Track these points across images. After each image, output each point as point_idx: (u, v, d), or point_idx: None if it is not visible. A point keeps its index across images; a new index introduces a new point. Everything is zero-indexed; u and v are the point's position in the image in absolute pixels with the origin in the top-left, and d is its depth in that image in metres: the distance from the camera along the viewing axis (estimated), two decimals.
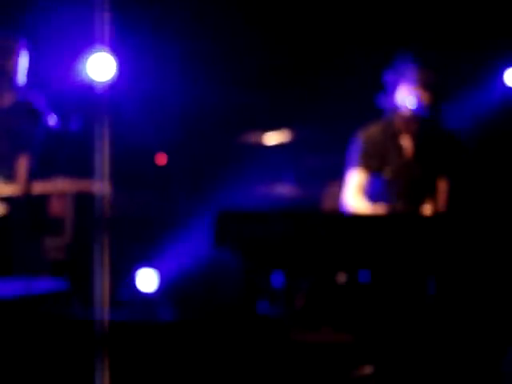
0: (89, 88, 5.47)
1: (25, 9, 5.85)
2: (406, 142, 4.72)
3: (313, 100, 6.54)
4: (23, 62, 5.02)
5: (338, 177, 4.99)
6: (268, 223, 3.71)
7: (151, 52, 6.36)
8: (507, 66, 6.48)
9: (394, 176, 4.68)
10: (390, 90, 4.72)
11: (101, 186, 4.93)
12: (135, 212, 6.29)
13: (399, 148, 4.71)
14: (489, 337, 4.12)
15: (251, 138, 6.27)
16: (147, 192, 6.46)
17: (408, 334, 4.24)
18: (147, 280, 6.10)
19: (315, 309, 4.61)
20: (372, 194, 4.71)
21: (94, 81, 5.47)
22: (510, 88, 6.45)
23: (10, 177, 4.90)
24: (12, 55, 4.99)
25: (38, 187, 4.97)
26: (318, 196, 5.54)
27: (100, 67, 5.60)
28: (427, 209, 4.72)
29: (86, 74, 5.57)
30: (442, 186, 4.74)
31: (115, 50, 5.56)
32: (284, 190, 6.04)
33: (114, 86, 5.49)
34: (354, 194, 4.67)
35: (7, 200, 4.87)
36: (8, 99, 4.98)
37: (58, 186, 5.08)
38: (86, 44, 5.59)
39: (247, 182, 6.08)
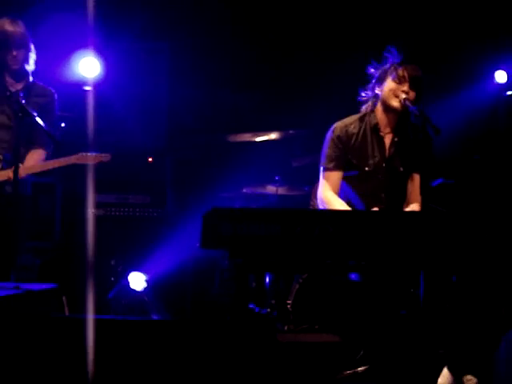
0: (77, 87, 5.50)
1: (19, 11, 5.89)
2: (387, 136, 4.73)
3: (301, 101, 6.56)
4: (30, 54, 5.06)
5: None
6: (256, 222, 3.69)
7: (140, 53, 6.39)
8: (498, 66, 6.54)
9: (374, 169, 4.68)
10: (375, 85, 4.72)
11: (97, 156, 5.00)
12: (124, 213, 6.30)
13: (380, 141, 4.72)
14: (481, 327, 4.12)
15: (241, 138, 6.28)
16: (137, 193, 6.47)
17: (397, 331, 4.25)
18: (138, 280, 6.10)
19: (305, 308, 4.61)
20: (348, 189, 4.70)
21: (81, 81, 5.50)
22: (500, 85, 6.50)
23: (13, 163, 4.88)
24: (17, 47, 5.00)
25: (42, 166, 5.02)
26: (308, 196, 5.55)
27: (88, 68, 5.62)
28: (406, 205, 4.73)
29: (75, 74, 5.60)
30: (416, 180, 4.73)
31: (102, 52, 5.59)
32: (273, 190, 6.05)
33: (101, 86, 5.53)
34: (330, 193, 4.65)
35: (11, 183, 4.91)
36: (14, 87, 5.03)
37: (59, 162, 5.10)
38: (74, 46, 5.64)
39: (236, 182, 6.09)
